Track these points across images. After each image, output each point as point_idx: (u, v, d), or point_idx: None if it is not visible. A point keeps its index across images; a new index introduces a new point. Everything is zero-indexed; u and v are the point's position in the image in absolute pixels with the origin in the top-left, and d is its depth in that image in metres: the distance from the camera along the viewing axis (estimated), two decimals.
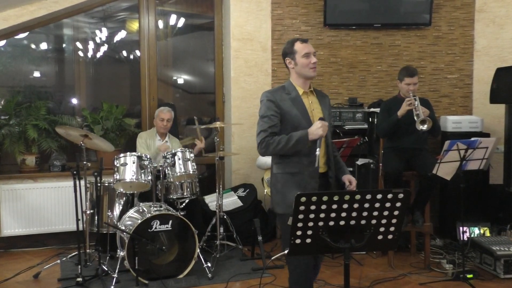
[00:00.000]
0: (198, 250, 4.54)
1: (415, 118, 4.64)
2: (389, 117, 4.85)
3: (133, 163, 4.64)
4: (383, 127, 4.92)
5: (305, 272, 3.14)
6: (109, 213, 4.89)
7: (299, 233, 2.40)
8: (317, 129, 3.04)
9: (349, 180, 3.23)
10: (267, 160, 5.49)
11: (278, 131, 3.15)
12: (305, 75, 3.23)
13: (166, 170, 4.82)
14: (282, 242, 3.38)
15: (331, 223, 2.39)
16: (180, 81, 6.77)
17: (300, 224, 2.37)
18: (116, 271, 4.36)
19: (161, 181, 4.82)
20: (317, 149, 3.00)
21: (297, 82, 3.27)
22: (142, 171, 4.67)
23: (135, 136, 5.58)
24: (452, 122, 5.77)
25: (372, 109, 5.79)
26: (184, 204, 5.02)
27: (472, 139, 4.38)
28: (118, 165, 4.67)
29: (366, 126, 5.78)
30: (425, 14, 6.08)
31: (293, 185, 3.12)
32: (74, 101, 6.36)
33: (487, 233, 5.36)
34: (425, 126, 4.60)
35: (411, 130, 4.81)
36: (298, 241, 2.42)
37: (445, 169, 4.39)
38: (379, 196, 2.38)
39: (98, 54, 6.37)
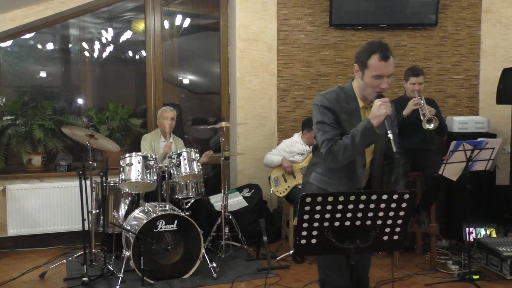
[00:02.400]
0: (203, 250, 4.55)
1: (421, 117, 4.62)
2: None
3: (139, 163, 4.65)
4: None
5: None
6: (115, 213, 4.90)
7: (304, 233, 2.39)
8: (378, 109, 2.59)
9: None
10: (275, 159, 5.49)
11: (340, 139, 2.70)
12: (366, 95, 2.76)
13: (171, 170, 4.82)
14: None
15: (337, 223, 2.39)
16: (186, 81, 6.78)
17: (305, 225, 2.37)
18: (122, 271, 4.38)
19: (166, 181, 4.83)
20: (388, 131, 2.58)
21: (359, 93, 2.79)
22: (148, 171, 4.68)
23: (140, 136, 5.59)
24: (458, 122, 5.75)
25: None
26: (189, 204, 5.03)
27: (479, 139, 4.37)
28: (123, 165, 4.68)
29: None
30: (431, 14, 6.06)
31: None
32: (80, 101, 6.38)
33: (493, 234, 5.34)
34: (432, 125, 4.59)
35: (417, 130, 4.80)
36: (303, 241, 2.41)
37: (451, 170, 4.38)
38: (384, 197, 2.37)
39: (104, 54, 6.38)
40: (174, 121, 5.35)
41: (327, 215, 2.36)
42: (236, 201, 5.71)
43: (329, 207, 2.33)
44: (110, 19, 6.37)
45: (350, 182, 2.78)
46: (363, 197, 2.34)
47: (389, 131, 2.59)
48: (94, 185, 4.76)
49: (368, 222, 2.42)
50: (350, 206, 2.35)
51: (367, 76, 2.69)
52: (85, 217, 4.46)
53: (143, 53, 6.22)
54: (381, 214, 2.40)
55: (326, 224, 2.38)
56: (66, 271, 4.74)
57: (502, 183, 5.93)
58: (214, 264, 4.63)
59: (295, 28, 6.06)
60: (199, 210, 5.22)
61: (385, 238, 2.49)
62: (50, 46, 6.27)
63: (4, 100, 4.67)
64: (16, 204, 5.45)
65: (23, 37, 5.91)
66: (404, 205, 2.41)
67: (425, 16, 6.09)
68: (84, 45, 6.29)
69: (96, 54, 6.34)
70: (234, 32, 6.02)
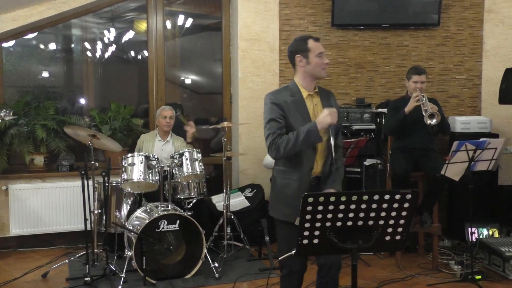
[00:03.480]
0: (206, 250, 4.55)
1: (423, 113, 4.60)
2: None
3: (141, 163, 4.66)
4: (390, 124, 4.90)
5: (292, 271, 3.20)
6: (117, 213, 4.91)
7: (306, 233, 2.39)
8: (325, 117, 2.93)
9: None
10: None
11: (285, 133, 3.05)
12: (317, 75, 3.11)
13: (173, 170, 4.83)
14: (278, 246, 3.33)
15: (339, 223, 2.38)
16: (188, 81, 6.78)
17: (307, 225, 2.37)
18: (124, 271, 4.38)
19: (168, 181, 4.83)
20: (331, 138, 2.97)
21: (303, 83, 3.13)
22: (150, 171, 4.68)
23: None
24: (460, 122, 5.74)
25: (380, 110, 5.78)
26: (191, 204, 5.03)
27: (481, 139, 4.36)
28: (125, 165, 4.68)
29: (373, 126, 5.77)
30: (433, 14, 6.05)
31: (290, 192, 3.05)
32: (82, 101, 6.38)
33: (496, 234, 5.34)
34: (434, 120, 4.56)
35: (418, 129, 4.79)
36: (305, 241, 2.41)
37: (454, 170, 4.37)
38: (386, 197, 2.37)
39: (106, 54, 6.39)
40: (173, 120, 5.36)
41: (329, 215, 2.36)
42: (238, 201, 5.71)
43: (331, 207, 2.33)
44: (112, 19, 6.38)
45: (303, 166, 3.05)
46: (365, 197, 2.34)
47: (331, 138, 3.00)
48: (96, 185, 4.76)
49: (370, 222, 2.41)
50: (352, 206, 2.35)
51: (312, 58, 3.05)
52: (88, 217, 4.46)
53: (145, 53, 6.22)
54: (383, 214, 2.40)
55: (328, 224, 2.38)
56: (69, 271, 4.75)
57: (505, 183, 5.92)
58: (216, 264, 4.63)
59: (297, 28, 6.06)
60: (201, 210, 5.23)
61: (387, 238, 2.49)
62: (52, 46, 6.28)
63: (11, 114, 4.67)
64: (18, 204, 5.46)
65: (25, 37, 5.92)
66: (406, 205, 2.40)
67: (427, 16, 6.08)
68: (87, 45, 6.30)
69: (98, 54, 6.34)
70: (236, 32, 6.03)
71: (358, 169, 5.52)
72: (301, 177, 3.04)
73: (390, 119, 4.96)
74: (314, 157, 3.06)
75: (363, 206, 2.36)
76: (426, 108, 4.61)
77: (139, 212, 4.69)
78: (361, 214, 2.38)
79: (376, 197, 2.36)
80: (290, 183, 3.06)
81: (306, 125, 2.96)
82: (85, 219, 4.43)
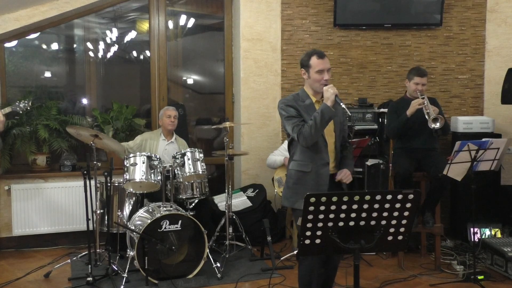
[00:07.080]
0: (208, 250, 4.55)
1: (426, 116, 4.60)
2: (398, 117, 4.82)
3: (143, 163, 4.66)
4: (393, 128, 4.89)
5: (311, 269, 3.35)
6: (119, 213, 4.91)
7: (308, 233, 2.39)
8: (327, 92, 3.22)
9: (339, 173, 3.38)
10: (277, 159, 5.49)
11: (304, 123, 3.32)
12: (315, 90, 3.41)
13: (175, 170, 4.83)
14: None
15: (341, 223, 2.39)
16: (190, 81, 6.79)
17: (309, 225, 2.37)
18: (126, 271, 4.38)
19: (170, 181, 4.83)
20: (341, 103, 3.20)
21: (310, 91, 3.44)
22: (152, 171, 4.68)
23: None
24: (463, 122, 5.73)
25: (382, 110, 5.77)
26: (193, 204, 5.04)
27: (483, 139, 4.35)
28: (128, 165, 4.68)
29: (376, 126, 5.77)
30: (436, 14, 6.05)
31: (304, 184, 3.31)
32: (85, 101, 6.39)
33: (498, 234, 5.33)
34: (438, 124, 4.56)
35: (421, 130, 4.79)
36: (307, 241, 2.41)
37: (456, 170, 4.37)
38: (389, 197, 2.37)
39: (109, 55, 6.39)
40: (176, 120, 5.37)
41: (331, 215, 2.36)
42: (240, 201, 5.71)
43: (333, 207, 2.33)
44: (115, 19, 6.38)
45: (317, 159, 3.34)
46: (367, 197, 2.34)
47: (341, 103, 3.22)
48: (98, 185, 4.76)
49: (373, 222, 2.41)
50: (355, 206, 2.35)
51: (312, 74, 3.36)
52: (90, 217, 4.46)
53: (148, 53, 6.23)
54: (385, 214, 2.40)
55: (330, 224, 2.38)
56: (71, 271, 4.75)
57: (507, 183, 5.92)
58: (218, 264, 4.63)
59: (300, 28, 6.05)
60: (203, 210, 5.22)
61: (390, 238, 2.49)
62: (55, 46, 6.29)
63: (30, 103, 4.73)
64: (21, 204, 5.46)
65: (28, 37, 5.92)
66: (408, 205, 2.40)
67: (430, 16, 6.07)
68: (89, 45, 6.30)
69: (100, 54, 6.35)
70: (238, 32, 6.03)
71: (361, 169, 5.51)
72: (316, 169, 3.31)
73: (391, 122, 4.95)
74: (327, 152, 3.35)
75: (365, 206, 2.36)
76: (428, 111, 4.61)
77: (141, 212, 4.70)
78: (363, 214, 2.38)
79: (378, 197, 2.36)
80: (304, 174, 3.33)
81: (317, 110, 3.25)
82: (87, 219, 4.44)
